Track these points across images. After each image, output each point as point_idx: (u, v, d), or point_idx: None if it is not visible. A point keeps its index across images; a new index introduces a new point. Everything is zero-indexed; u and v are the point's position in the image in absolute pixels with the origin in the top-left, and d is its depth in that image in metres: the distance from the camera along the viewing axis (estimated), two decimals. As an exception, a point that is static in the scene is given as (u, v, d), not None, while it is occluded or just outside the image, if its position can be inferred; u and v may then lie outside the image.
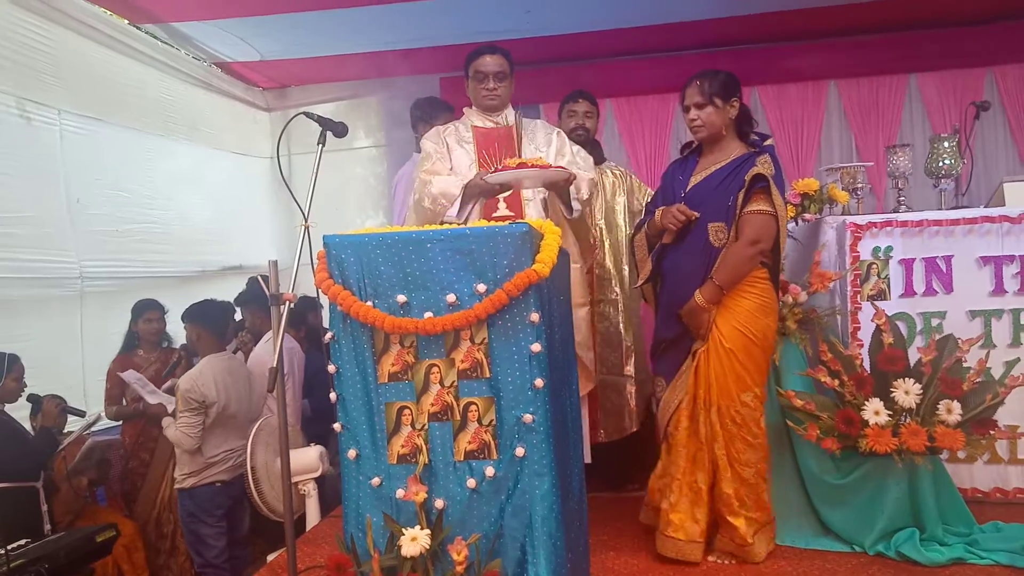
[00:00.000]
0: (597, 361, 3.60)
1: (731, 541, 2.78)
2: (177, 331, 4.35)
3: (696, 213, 2.75)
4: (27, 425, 3.77)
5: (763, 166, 2.69)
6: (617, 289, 3.75)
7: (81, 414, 3.94)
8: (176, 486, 3.87)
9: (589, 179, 3.12)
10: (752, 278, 2.72)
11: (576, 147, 3.25)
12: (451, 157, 3.14)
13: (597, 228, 3.76)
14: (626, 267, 3.77)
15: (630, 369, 3.72)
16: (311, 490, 3.51)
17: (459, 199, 2.93)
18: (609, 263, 3.76)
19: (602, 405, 3.72)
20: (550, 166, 2.79)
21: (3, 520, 3.17)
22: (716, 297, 2.71)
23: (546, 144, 3.17)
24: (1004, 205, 3.36)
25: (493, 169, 2.77)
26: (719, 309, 2.73)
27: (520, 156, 3.04)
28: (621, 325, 3.73)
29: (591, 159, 3.29)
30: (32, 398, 3.73)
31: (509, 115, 3.18)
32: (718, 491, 2.77)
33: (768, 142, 2.84)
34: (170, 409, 3.92)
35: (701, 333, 2.75)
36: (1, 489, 3.42)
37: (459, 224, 2.85)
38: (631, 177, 3.92)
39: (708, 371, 2.74)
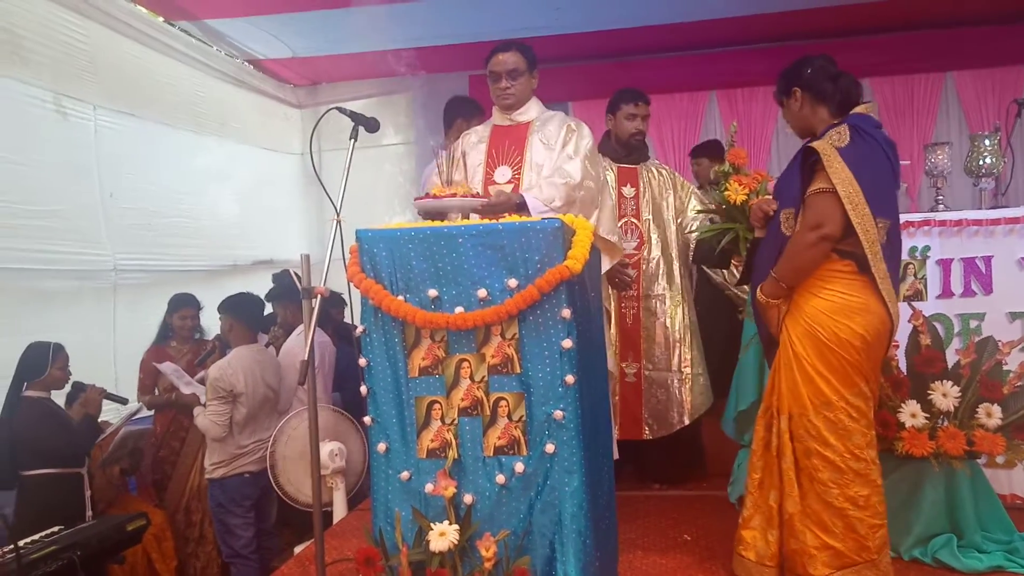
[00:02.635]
0: (642, 356, 3.65)
1: (791, 572, 2.44)
2: (209, 324, 4.40)
3: (776, 204, 2.51)
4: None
5: (827, 138, 2.35)
6: (664, 283, 3.73)
7: (124, 401, 4.02)
8: (206, 476, 3.91)
9: (564, 188, 2.79)
10: (827, 272, 2.38)
11: (586, 150, 2.94)
12: (464, 162, 3.05)
13: (645, 223, 3.75)
14: (676, 262, 3.75)
15: (676, 363, 3.70)
16: (338, 483, 3.53)
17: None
18: (657, 257, 3.73)
19: (647, 402, 3.69)
20: (476, 195, 2.52)
21: (49, 505, 3.26)
22: (776, 292, 2.44)
23: (555, 137, 2.99)
24: (1046, 205, 3.29)
25: (424, 194, 2.53)
26: (790, 307, 2.45)
27: (524, 154, 2.97)
28: (667, 320, 3.71)
29: (591, 163, 2.96)
30: (76, 385, 3.80)
31: (530, 111, 3.07)
32: (781, 509, 2.47)
33: (856, 110, 2.46)
34: (203, 400, 3.96)
35: (772, 332, 2.50)
36: (50, 475, 3.52)
37: None
38: (675, 176, 3.91)
39: (779, 376, 2.46)
